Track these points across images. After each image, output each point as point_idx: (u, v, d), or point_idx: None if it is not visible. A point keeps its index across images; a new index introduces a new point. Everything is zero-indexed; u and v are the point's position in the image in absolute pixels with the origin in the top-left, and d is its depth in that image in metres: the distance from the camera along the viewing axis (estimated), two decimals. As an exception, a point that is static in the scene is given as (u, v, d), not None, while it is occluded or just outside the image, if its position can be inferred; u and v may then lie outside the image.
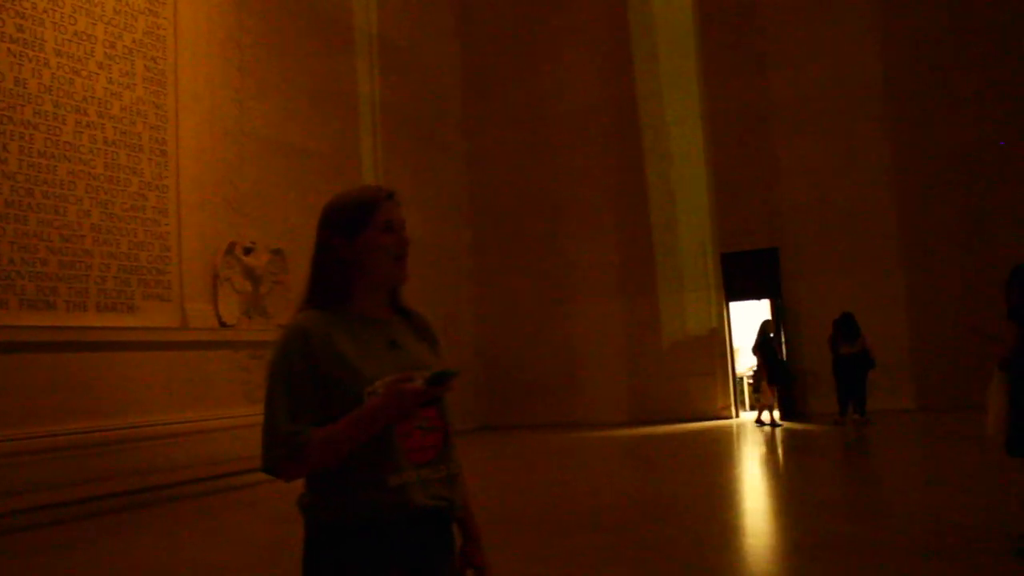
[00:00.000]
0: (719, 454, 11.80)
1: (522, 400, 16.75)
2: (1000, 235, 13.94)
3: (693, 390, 15.85)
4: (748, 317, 17.83)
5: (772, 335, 14.52)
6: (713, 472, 9.90)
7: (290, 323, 1.98)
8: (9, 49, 9.12)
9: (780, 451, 11.55)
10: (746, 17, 16.03)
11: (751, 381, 17.90)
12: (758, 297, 16.91)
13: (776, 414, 14.13)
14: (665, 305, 16.31)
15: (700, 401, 15.78)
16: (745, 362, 18.24)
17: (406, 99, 15.90)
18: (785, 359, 15.21)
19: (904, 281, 14.76)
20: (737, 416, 15.82)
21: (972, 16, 14.61)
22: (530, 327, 16.98)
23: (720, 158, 15.99)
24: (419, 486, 1.90)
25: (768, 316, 15.24)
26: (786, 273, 15.59)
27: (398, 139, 15.44)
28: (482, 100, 17.87)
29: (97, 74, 10.03)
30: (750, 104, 15.85)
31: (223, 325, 11.19)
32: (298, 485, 1.99)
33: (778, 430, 13.40)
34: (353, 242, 1.99)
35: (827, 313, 13.93)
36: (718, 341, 16.05)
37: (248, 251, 11.63)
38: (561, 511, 7.60)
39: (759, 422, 14.07)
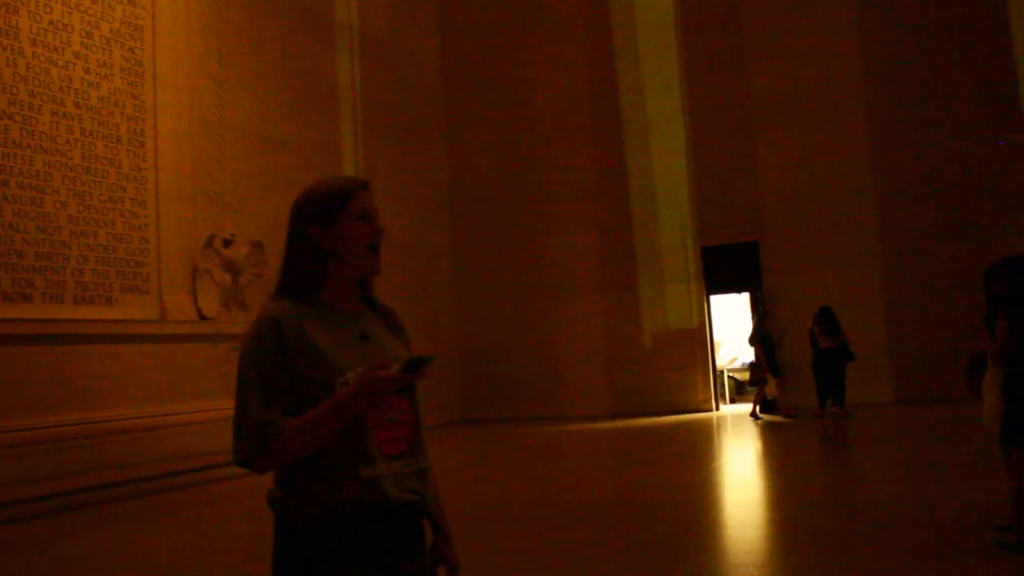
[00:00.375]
0: (700, 447, 11.85)
1: (503, 393, 16.75)
2: (979, 229, 14.08)
3: (674, 383, 15.90)
4: (729, 310, 17.94)
5: (768, 329, 14.50)
6: (694, 465, 9.94)
7: (262, 312, 1.95)
8: (-16, 38, 8.99)
9: (760, 444, 11.61)
10: (727, 12, 16.07)
11: (732, 374, 18.01)
12: (739, 290, 17.01)
13: (757, 406, 14.16)
14: (646, 298, 16.35)
15: (681, 394, 15.83)
16: (726, 355, 18.33)
17: (387, 92, 15.83)
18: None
19: (883, 274, 14.87)
20: (718, 409, 15.89)
21: (952, 10, 14.72)
22: (511, 321, 16.97)
23: (701, 152, 16.03)
24: (391, 479, 1.88)
25: (764, 306, 15.19)
26: (766, 266, 15.67)
27: (379, 132, 15.37)
28: (463, 94, 17.81)
29: (74, 64, 9.91)
30: (731, 99, 15.89)
31: (202, 318, 11.12)
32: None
33: (781, 420, 13.47)
34: (327, 231, 1.97)
35: (807, 306, 14.00)
36: (699, 334, 16.11)
37: (227, 243, 11.55)
38: (543, 505, 7.60)
39: (755, 415, 13.95)
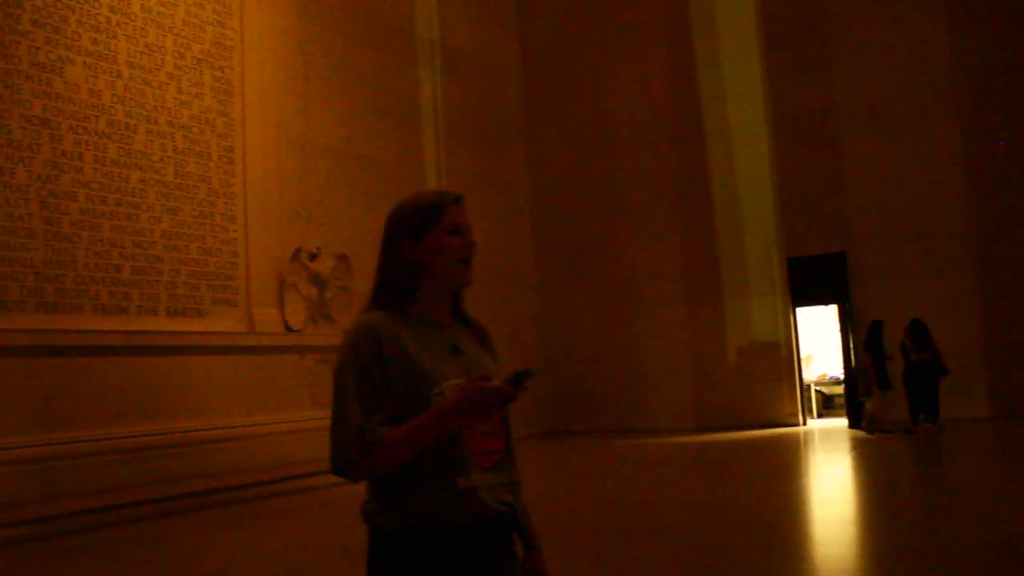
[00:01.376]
0: (787, 462, 11.59)
1: (587, 407, 16.67)
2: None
3: (759, 396, 15.59)
4: (815, 323, 17.54)
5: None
6: (782, 480, 9.72)
7: (358, 322, 1.97)
8: (85, 62, 9.38)
9: (849, 460, 11.29)
10: (810, 18, 15.75)
11: (820, 388, 17.58)
12: (825, 302, 16.61)
13: (870, 420, 13.50)
14: (730, 311, 16.09)
15: (767, 408, 15.51)
16: (816, 369, 17.90)
17: (468, 104, 15.97)
18: (853, 365, 14.93)
19: (978, 284, 14.33)
20: (805, 423, 15.52)
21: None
22: (594, 333, 16.89)
23: (785, 161, 15.72)
24: (485, 490, 1.89)
25: (878, 317, 14.04)
26: (854, 277, 15.26)
27: (460, 144, 15.51)
28: (543, 105, 17.85)
29: (167, 84, 10.26)
30: (815, 106, 15.56)
31: (289, 330, 11.35)
32: (362, 489, 1.98)
33: (908, 436, 12.82)
34: (419, 244, 1.99)
35: (897, 318, 13.54)
36: (785, 347, 15.77)
37: (313, 257, 11.78)
38: (627, 518, 7.52)
39: (875, 429, 13.24)
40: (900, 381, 13.28)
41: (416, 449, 1.83)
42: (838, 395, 17.10)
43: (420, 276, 2.00)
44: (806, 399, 16.23)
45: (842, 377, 16.04)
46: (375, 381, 1.87)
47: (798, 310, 16.07)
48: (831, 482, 9.68)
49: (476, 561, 1.88)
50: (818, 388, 17.55)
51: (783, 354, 15.74)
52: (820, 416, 16.95)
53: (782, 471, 10.59)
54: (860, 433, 13.54)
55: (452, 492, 1.84)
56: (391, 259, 2.02)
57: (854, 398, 14.68)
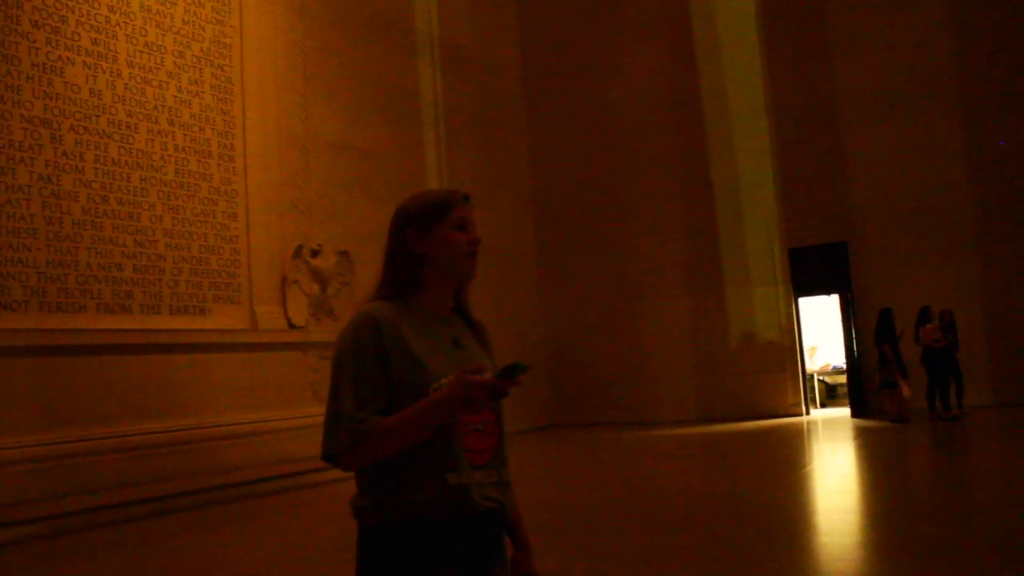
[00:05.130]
0: (791, 452, 11.60)
1: (590, 398, 16.70)
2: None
3: (762, 387, 15.61)
4: (817, 312, 17.53)
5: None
6: (785, 470, 9.74)
7: (360, 311, 1.97)
8: (84, 62, 9.40)
9: (853, 449, 11.31)
10: (810, 6, 15.73)
11: (822, 378, 17.58)
12: (827, 292, 16.61)
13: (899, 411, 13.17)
14: (732, 301, 16.10)
15: (769, 398, 15.53)
16: (820, 360, 17.88)
17: (468, 99, 15.96)
18: (856, 355, 14.93)
19: (981, 273, 14.34)
20: (808, 413, 15.53)
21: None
22: (597, 325, 16.90)
23: (786, 151, 15.71)
24: (476, 487, 1.89)
25: (888, 306, 13.68)
26: (855, 267, 15.26)
27: (461, 139, 15.51)
28: (544, 99, 17.84)
29: (167, 83, 10.28)
30: (816, 96, 15.55)
31: (292, 327, 11.37)
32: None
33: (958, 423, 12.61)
34: (426, 236, 2.00)
35: (899, 307, 13.49)
36: (787, 337, 15.79)
37: (315, 253, 11.80)
38: (630, 509, 7.55)
39: (899, 419, 12.91)
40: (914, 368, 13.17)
41: (407, 441, 1.83)
42: (841, 385, 17.09)
43: (426, 267, 2.01)
44: (809, 389, 16.24)
45: (845, 367, 16.03)
46: (373, 371, 1.88)
47: (800, 300, 16.07)
48: (834, 471, 9.70)
49: (463, 557, 1.89)
50: (821, 378, 17.56)
51: (785, 344, 15.76)
52: (823, 406, 16.96)
53: (785, 461, 10.61)
54: (863, 423, 13.51)
55: (442, 488, 1.85)
56: (398, 249, 2.03)
57: (858, 388, 14.65)
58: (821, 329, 17.78)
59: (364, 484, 1.93)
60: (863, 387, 14.70)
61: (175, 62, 10.40)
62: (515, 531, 2.08)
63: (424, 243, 2.00)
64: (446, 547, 1.87)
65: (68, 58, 9.26)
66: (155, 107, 10.10)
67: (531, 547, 2.10)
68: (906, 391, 13.00)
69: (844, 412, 15.29)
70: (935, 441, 11.56)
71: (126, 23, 9.87)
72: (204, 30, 10.81)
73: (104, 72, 9.59)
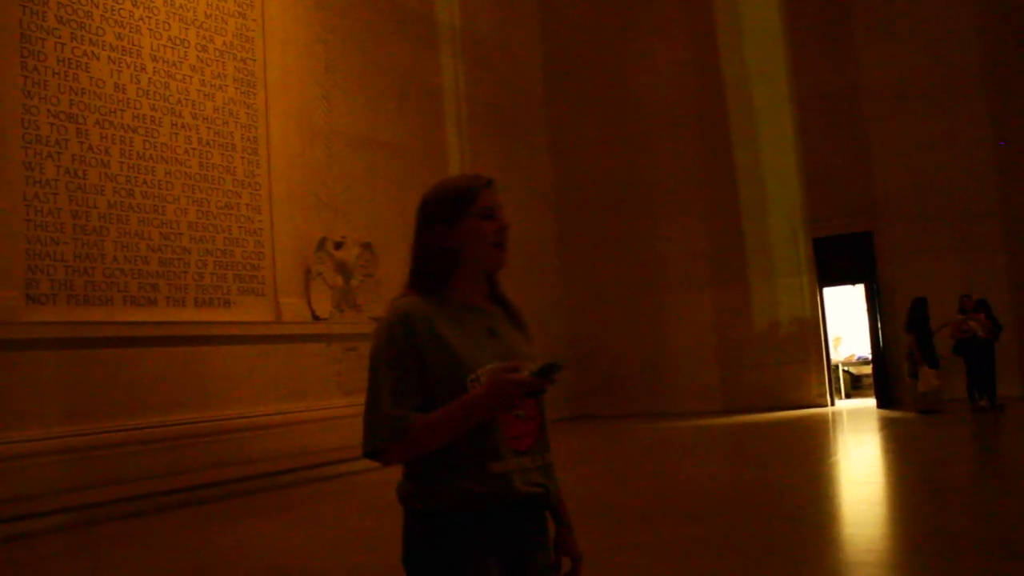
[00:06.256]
0: (816, 443, 11.53)
1: (614, 391, 16.66)
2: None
3: (787, 378, 15.52)
4: (842, 302, 17.42)
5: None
6: (811, 461, 9.68)
7: (392, 307, 1.98)
8: (109, 57, 9.47)
9: (879, 440, 11.22)
10: (835, -6, 15.57)
11: (848, 369, 17.47)
12: (852, 282, 16.48)
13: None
14: (756, 292, 16.00)
15: (794, 389, 15.44)
16: (845, 350, 17.76)
17: (490, 91, 15.94)
18: (882, 345, 14.79)
19: (1008, 262, 14.16)
20: (832, 404, 15.43)
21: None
22: (620, 316, 16.86)
23: (810, 142, 15.57)
24: (519, 473, 1.91)
25: (907, 296, 13.71)
26: (881, 256, 15.12)
27: (483, 131, 15.50)
28: (566, 90, 17.78)
29: (191, 77, 10.34)
30: (840, 85, 15.39)
31: (316, 318, 11.43)
32: (389, 475, 2.00)
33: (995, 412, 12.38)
34: (453, 229, 2.00)
35: (928, 296, 13.34)
36: (812, 327, 15.67)
37: (339, 246, 11.84)
38: (656, 501, 7.53)
39: (926, 410, 12.75)
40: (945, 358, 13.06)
41: (446, 438, 1.86)
42: (866, 375, 16.96)
43: (455, 260, 2.01)
44: (834, 379, 16.13)
45: (870, 357, 15.90)
46: (408, 367, 1.89)
47: (825, 290, 15.95)
48: (860, 462, 9.63)
49: (507, 541, 1.92)
50: (846, 368, 17.43)
51: (810, 334, 15.65)
52: (848, 397, 16.84)
53: (811, 452, 10.55)
54: (888, 413, 13.40)
55: (485, 476, 1.87)
56: (426, 244, 2.03)
57: (883, 378, 14.53)
58: (845, 319, 17.65)
59: (409, 469, 1.96)
60: (888, 377, 14.57)
61: (198, 56, 10.45)
62: (558, 512, 2.10)
63: (452, 237, 2.00)
64: (491, 533, 1.89)
65: (93, 53, 9.33)
66: (179, 101, 10.16)
67: (573, 526, 2.12)
68: (932, 381, 12.87)
69: (869, 403, 15.18)
70: (964, 433, 11.45)
71: (150, 17, 9.93)
72: (227, 23, 10.85)
73: (128, 67, 9.66)
